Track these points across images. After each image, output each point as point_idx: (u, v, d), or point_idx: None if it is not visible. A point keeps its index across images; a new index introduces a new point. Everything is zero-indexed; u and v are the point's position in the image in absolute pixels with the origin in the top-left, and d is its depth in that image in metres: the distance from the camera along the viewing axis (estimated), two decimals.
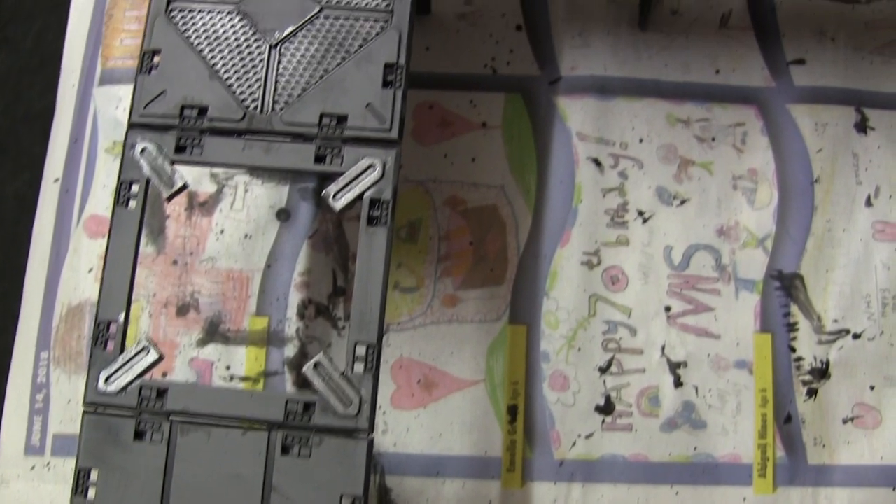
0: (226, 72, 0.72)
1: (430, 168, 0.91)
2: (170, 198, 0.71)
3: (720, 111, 0.92)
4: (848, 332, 0.87)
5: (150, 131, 0.72)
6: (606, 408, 0.86)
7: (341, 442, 0.66)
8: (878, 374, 0.87)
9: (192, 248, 0.89)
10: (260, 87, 0.72)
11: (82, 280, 0.89)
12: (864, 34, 0.94)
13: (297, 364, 0.86)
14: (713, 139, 0.91)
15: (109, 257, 0.70)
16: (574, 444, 0.85)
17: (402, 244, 0.89)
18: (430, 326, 0.87)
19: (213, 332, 0.87)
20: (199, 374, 0.87)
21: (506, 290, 0.88)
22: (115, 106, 0.94)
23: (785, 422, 0.86)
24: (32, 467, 0.86)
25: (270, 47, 0.72)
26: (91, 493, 0.67)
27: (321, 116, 0.71)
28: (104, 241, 0.88)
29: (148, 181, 0.71)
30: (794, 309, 0.88)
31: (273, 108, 0.71)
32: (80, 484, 0.67)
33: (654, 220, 0.90)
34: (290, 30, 0.73)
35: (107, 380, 0.68)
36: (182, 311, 0.88)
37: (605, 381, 0.86)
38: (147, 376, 0.69)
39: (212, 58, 0.72)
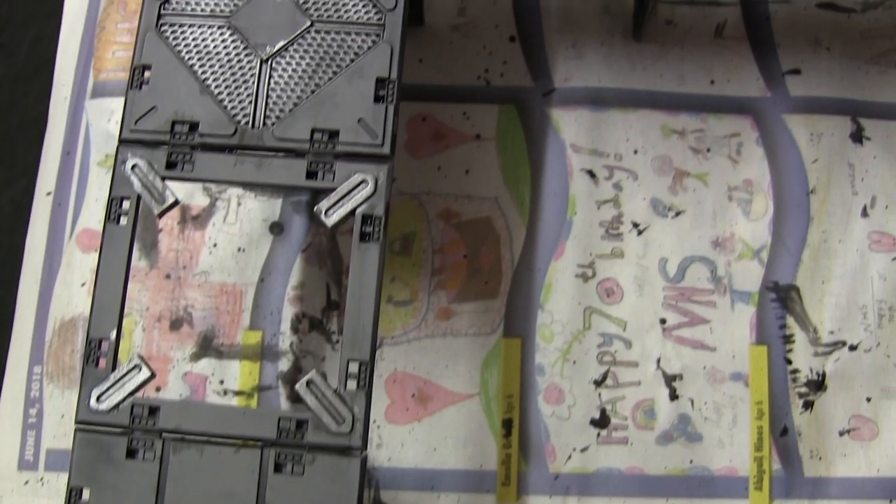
0: (217, 87, 0.72)
1: (423, 181, 0.90)
2: (161, 214, 0.70)
3: (715, 122, 0.91)
4: (844, 343, 0.87)
5: (141, 147, 0.71)
6: (602, 421, 0.85)
7: (334, 460, 0.66)
8: (875, 386, 0.86)
9: (185, 262, 0.89)
10: (251, 102, 0.71)
11: (75, 294, 0.89)
12: (860, 43, 0.94)
13: (291, 378, 0.86)
14: (708, 150, 0.91)
15: (101, 274, 0.69)
16: (569, 457, 0.85)
17: (395, 257, 0.89)
18: (424, 340, 0.87)
19: (207, 347, 0.87)
20: (193, 388, 0.86)
21: (500, 303, 0.88)
22: (107, 119, 0.93)
23: (781, 434, 0.85)
24: (26, 482, 0.86)
25: (262, 62, 0.72)
26: None
27: (313, 132, 0.70)
28: (97, 256, 0.89)
29: (139, 198, 0.70)
30: (790, 321, 0.87)
31: (264, 124, 0.71)
32: (72, 503, 0.66)
33: (649, 232, 0.89)
34: (281, 44, 0.72)
35: (98, 398, 0.68)
36: (175, 325, 0.88)
37: (600, 394, 0.86)
38: (139, 394, 0.68)
39: (203, 73, 0.72)
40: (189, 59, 0.72)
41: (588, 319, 0.87)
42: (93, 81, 0.95)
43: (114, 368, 0.68)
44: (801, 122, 0.91)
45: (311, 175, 0.70)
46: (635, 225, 0.89)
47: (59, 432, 0.86)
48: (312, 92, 0.71)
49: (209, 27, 0.73)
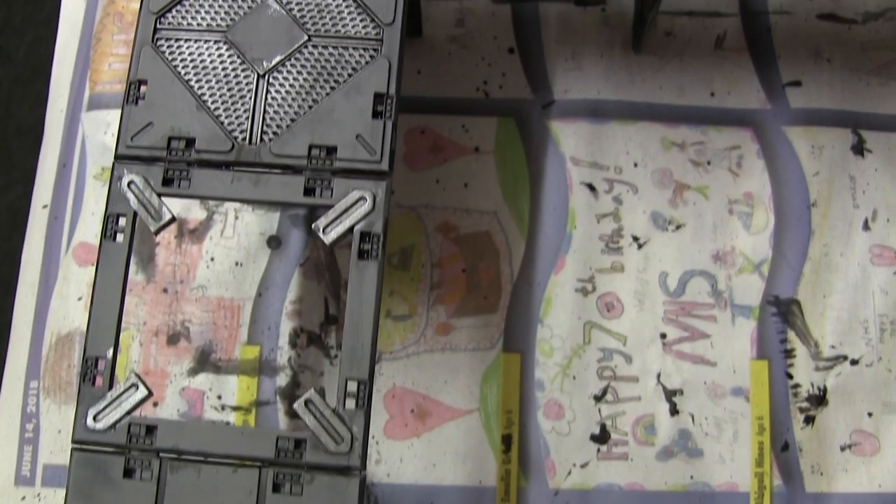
0: (213, 102, 0.71)
1: (421, 194, 0.90)
2: (157, 232, 0.70)
3: (715, 134, 0.91)
4: (845, 358, 0.86)
5: (138, 163, 0.70)
6: (602, 436, 0.85)
7: (333, 479, 0.65)
8: (877, 401, 0.86)
9: (182, 276, 0.88)
10: (248, 117, 0.71)
11: (72, 309, 0.88)
12: (861, 55, 0.93)
13: (289, 393, 0.86)
14: (708, 163, 0.90)
15: (97, 292, 0.69)
16: (569, 473, 0.84)
17: (394, 271, 0.88)
18: (423, 355, 0.87)
19: (205, 362, 0.87)
20: (191, 403, 0.86)
21: (499, 318, 0.87)
22: (103, 131, 0.93)
23: (782, 450, 0.85)
24: (23, 498, 0.85)
25: (258, 77, 0.71)
26: None
27: (310, 148, 0.70)
28: (94, 270, 0.88)
29: (135, 215, 0.70)
30: (791, 335, 0.87)
31: (262, 139, 0.70)
32: None
33: (649, 246, 0.89)
34: (278, 59, 0.71)
35: (95, 417, 0.67)
36: (173, 339, 0.87)
37: (600, 410, 0.85)
38: (136, 412, 0.68)
39: (199, 88, 0.71)
40: (185, 73, 0.72)
41: (588, 334, 0.87)
42: (89, 93, 0.94)
43: (111, 387, 0.68)
44: (802, 134, 0.91)
45: (308, 192, 0.69)
46: (635, 239, 0.89)
47: (56, 447, 0.86)
48: (310, 107, 0.71)
49: (206, 42, 0.73)
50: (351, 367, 0.67)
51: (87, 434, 0.67)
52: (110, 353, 0.68)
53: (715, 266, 0.88)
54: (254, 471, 0.66)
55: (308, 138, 0.70)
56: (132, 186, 0.70)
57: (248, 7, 0.73)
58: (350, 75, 0.71)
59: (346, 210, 0.69)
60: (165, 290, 0.88)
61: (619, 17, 0.94)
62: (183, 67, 0.72)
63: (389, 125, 0.70)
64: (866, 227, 0.89)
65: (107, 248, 0.70)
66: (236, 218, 0.89)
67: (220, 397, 0.86)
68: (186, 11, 0.73)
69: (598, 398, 0.86)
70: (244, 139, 0.70)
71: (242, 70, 0.72)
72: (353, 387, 0.66)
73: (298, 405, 0.66)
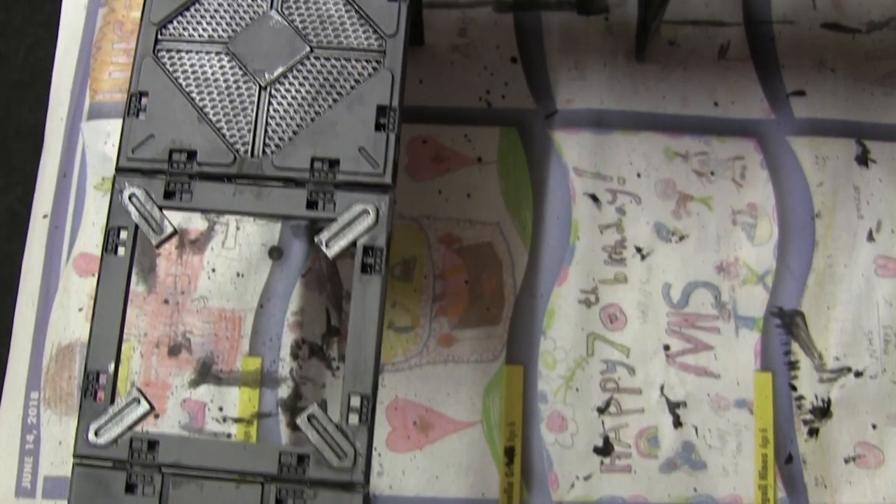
0: (215, 114, 0.70)
1: (424, 204, 0.89)
2: (159, 245, 0.69)
3: (719, 145, 0.90)
4: (849, 369, 0.86)
5: (139, 176, 0.70)
6: (605, 449, 0.85)
7: (336, 495, 0.65)
8: (881, 413, 0.85)
9: (183, 287, 0.88)
10: (250, 129, 0.70)
11: (72, 319, 0.88)
12: (865, 64, 0.93)
13: (291, 405, 0.85)
14: (712, 173, 0.90)
15: (98, 306, 0.68)
16: (572, 485, 0.84)
17: (396, 282, 0.88)
18: (425, 367, 0.86)
19: (206, 373, 0.86)
20: (192, 415, 0.85)
21: (502, 330, 0.87)
22: (103, 141, 0.92)
23: (786, 462, 0.84)
24: None
25: (260, 89, 0.71)
26: None
27: (313, 160, 0.69)
28: (94, 280, 0.88)
29: (137, 228, 0.69)
30: (795, 347, 0.86)
31: (264, 152, 0.69)
32: None
33: (653, 257, 0.88)
34: (280, 71, 0.71)
35: (97, 432, 0.67)
36: (174, 351, 0.87)
37: (603, 422, 0.85)
38: (138, 427, 0.67)
39: (201, 100, 0.71)
40: (187, 85, 0.71)
41: (591, 346, 0.87)
42: (89, 103, 0.94)
43: (112, 401, 0.67)
44: (806, 144, 0.91)
45: (311, 205, 0.69)
46: (638, 250, 0.88)
47: (57, 459, 0.86)
48: (312, 120, 0.70)
49: (207, 53, 0.72)
50: (354, 381, 0.66)
51: (89, 449, 0.67)
52: (111, 367, 0.68)
53: (718, 277, 0.88)
54: (256, 486, 0.65)
55: (310, 151, 0.69)
56: (133, 199, 0.70)
57: (250, 18, 0.72)
58: (353, 87, 0.71)
59: (348, 224, 0.68)
60: (166, 301, 0.88)
61: (623, 27, 0.93)
62: (184, 79, 0.71)
63: (392, 138, 0.69)
64: (870, 237, 0.89)
65: (108, 262, 0.69)
66: (237, 228, 0.89)
67: (221, 409, 0.85)
68: (188, 23, 0.73)
69: (602, 410, 0.85)
70: (246, 152, 0.70)
71: (244, 82, 0.71)
72: (356, 401, 0.66)
73: (301, 420, 0.66)
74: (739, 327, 0.87)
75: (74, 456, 0.66)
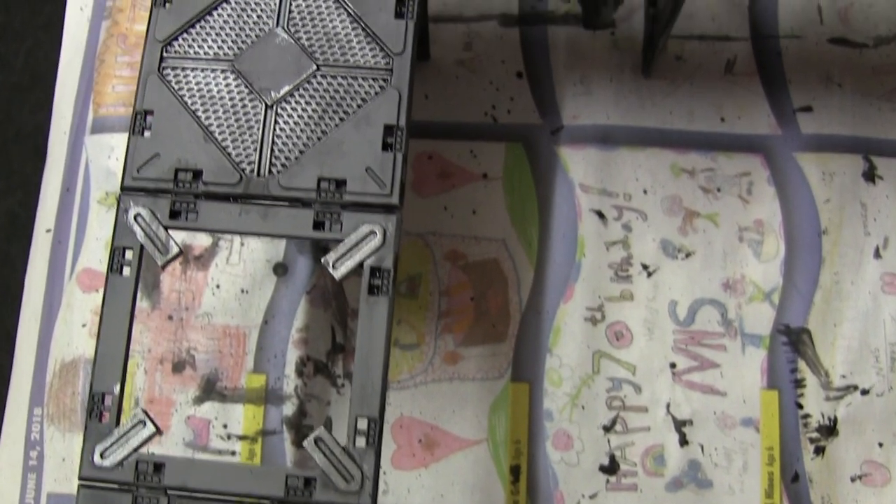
0: (221, 133, 0.70)
1: (429, 220, 0.89)
2: (164, 266, 0.69)
3: (725, 161, 0.90)
4: (856, 387, 0.86)
5: (144, 195, 0.69)
6: (611, 467, 0.84)
7: None
8: (888, 431, 0.85)
9: (187, 303, 0.87)
10: (256, 149, 0.70)
11: (76, 335, 0.88)
12: (872, 79, 0.92)
13: (295, 423, 0.85)
14: (718, 189, 0.89)
15: (103, 327, 0.68)
16: None
17: (401, 300, 0.87)
18: (430, 384, 0.86)
19: (210, 390, 0.86)
20: (196, 432, 0.85)
21: (508, 347, 0.87)
22: (107, 155, 0.92)
23: (792, 480, 0.84)
24: None
25: (266, 107, 0.70)
26: None
27: (319, 181, 0.69)
28: (98, 295, 0.87)
29: (142, 248, 0.69)
30: (802, 364, 0.86)
31: (270, 172, 0.69)
32: None
33: (659, 274, 0.88)
34: (286, 89, 0.70)
35: (102, 454, 0.66)
36: (178, 367, 0.86)
37: (609, 440, 0.85)
38: (144, 449, 0.67)
39: (206, 118, 0.70)
40: (192, 103, 0.71)
41: (597, 363, 0.86)
42: (92, 116, 0.93)
43: (118, 423, 0.67)
44: (813, 160, 0.90)
45: (318, 226, 0.68)
46: (645, 267, 0.88)
47: (61, 476, 0.85)
48: (319, 139, 0.70)
49: (212, 71, 0.71)
50: (361, 404, 0.66)
51: (94, 471, 0.66)
52: (117, 388, 0.67)
53: (725, 294, 0.88)
54: None
55: (317, 171, 0.69)
56: (139, 219, 0.69)
57: (256, 36, 0.72)
58: (359, 106, 0.70)
59: (355, 245, 0.68)
60: (170, 318, 0.87)
61: (629, 41, 0.93)
62: (190, 97, 0.71)
63: (399, 158, 0.69)
64: (877, 254, 0.89)
65: (113, 282, 0.69)
66: (242, 245, 0.88)
67: (225, 426, 0.85)
68: (193, 40, 0.72)
69: (608, 428, 0.85)
70: (252, 171, 0.69)
71: (250, 100, 0.71)
72: (363, 424, 0.66)
73: (308, 443, 0.65)
74: (746, 345, 0.87)
75: (80, 478, 0.66)
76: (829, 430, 0.85)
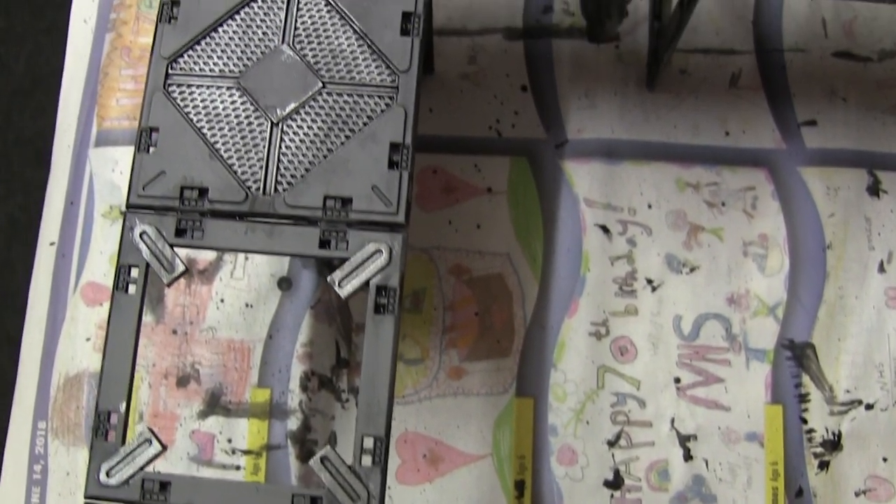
0: (226, 150, 0.70)
1: (434, 235, 0.89)
2: (170, 284, 0.69)
3: (730, 175, 0.90)
4: (860, 402, 0.86)
5: (150, 213, 0.69)
6: (615, 482, 0.84)
7: None
8: (892, 446, 0.85)
9: (191, 318, 0.87)
10: (262, 166, 0.70)
11: (80, 349, 0.88)
12: (876, 93, 0.92)
13: (300, 437, 0.85)
14: (723, 204, 0.89)
15: (109, 345, 0.68)
16: None
17: (406, 314, 0.87)
18: (435, 399, 0.86)
19: (214, 404, 0.86)
20: (201, 447, 0.85)
21: (512, 362, 0.87)
22: (111, 169, 0.91)
23: (796, 496, 0.84)
24: None
25: (272, 125, 0.70)
26: None
27: (325, 199, 0.69)
28: (102, 310, 0.87)
29: (147, 266, 0.69)
30: (806, 379, 0.86)
31: (276, 189, 0.69)
32: None
33: (664, 289, 0.88)
34: (292, 106, 0.70)
35: (108, 472, 0.66)
36: (182, 381, 0.86)
37: (613, 455, 0.85)
38: (150, 467, 0.67)
39: (212, 136, 0.70)
40: (198, 121, 0.71)
41: (601, 378, 0.86)
42: (96, 129, 0.93)
43: (123, 441, 0.67)
44: (817, 174, 0.90)
45: (323, 244, 0.68)
46: (649, 281, 0.88)
47: (65, 490, 0.85)
48: (325, 157, 0.70)
49: (218, 88, 0.71)
50: (367, 423, 0.66)
51: (100, 489, 0.67)
52: (123, 407, 0.67)
53: (729, 309, 0.87)
54: None
55: (323, 189, 0.69)
56: (144, 237, 0.69)
57: (262, 53, 0.72)
58: (365, 124, 0.70)
59: (361, 263, 0.68)
60: (175, 332, 0.87)
61: (633, 55, 0.93)
62: (195, 114, 0.71)
63: (405, 176, 0.69)
64: (882, 269, 0.89)
65: (119, 300, 0.69)
66: (246, 259, 0.88)
67: (230, 441, 0.85)
68: (199, 57, 0.72)
69: (612, 443, 0.85)
70: (258, 189, 0.69)
71: (256, 117, 0.71)
72: (369, 443, 0.66)
73: (315, 462, 0.65)
74: (750, 359, 0.87)
75: (86, 496, 0.66)
76: (834, 444, 0.85)
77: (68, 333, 0.88)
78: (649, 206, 0.89)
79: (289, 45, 0.72)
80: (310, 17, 0.72)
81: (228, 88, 0.71)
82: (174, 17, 0.73)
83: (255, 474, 0.84)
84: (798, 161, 0.91)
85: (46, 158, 0.94)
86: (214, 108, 0.71)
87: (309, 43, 0.72)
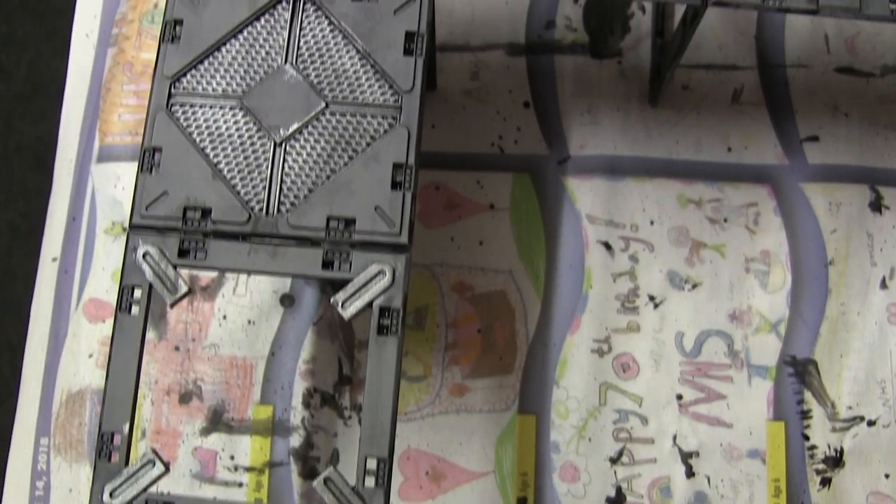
0: (229, 171, 0.70)
1: (436, 252, 0.89)
2: (173, 305, 0.69)
3: (732, 191, 0.90)
4: (862, 419, 0.86)
5: (153, 233, 0.69)
6: (617, 499, 0.84)
7: None
8: (894, 462, 0.85)
9: (194, 334, 0.87)
10: (265, 187, 0.70)
11: (82, 366, 0.88)
12: (879, 109, 0.92)
13: (302, 454, 0.85)
14: (725, 220, 0.89)
15: (112, 366, 0.68)
16: None
17: (408, 331, 0.87)
18: (437, 416, 0.86)
19: (217, 421, 0.86)
20: (203, 464, 0.85)
21: (515, 379, 0.87)
22: (113, 184, 0.91)
23: None
24: None
25: (275, 145, 0.70)
26: None
27: (328, 220, 0.69)
28: (104, 326, 0.87)
29: (151, 287, 0.69)
30: (808, 396, 0.86)
31: (279, 210, 0.69)
32: None
33: (666, 306, 0.88)
34: (295, 127, 0.70)
35: (112, 493, 0.67)
36: (185, 398, 0.86)
37: (615, 472, 0.85)
38: (152, 489, 0.67)
39: (215, 156, 0.70)
40: (201, 141, 0.71)
41: (604, 395, 0.86)
42: (98, 145, 0.93)
43: (127, 463, 0.67)
44: (820, 190, 0.90)
45: (326, 265, 0.68)
46: (651, 298, 0.88)
47: None
48: (328, 177, 0.70)
49: (221, 108, 0.71)
50: (371, 444, 0.66)
51: None
52: (126, 427, 0.67)
53: (731, 325, 0.88)
54: None
55: (326, 209, 0.69)
56: (147, 258, 0.69)
57: (265, 72, 0.72)
58: (368, 144, 0.70)
59: (364, 284, 0.68)
60: (177, 348, 0.87)
61: (636, 71, 0.93)
62: (198, 134, 0.71)
63: (409, 196, 0.69)
64: (884, 285, 0.89)
65: (122, 321, 0.69)
66: (248, 276, 0.88)
67: (232, 458, 0.85)
68: (201, 76, 0.72)
69: (614, 460, 0.85)
70: (261, 209, 0.69)
71: (259, 137, 0.71)
72: (372, 464, 0.66)
73: (318, 483, 0.65)
74: (752, 376, 0.87)
75: None
76: (836, 461, 0.85)
77: (70, 350, 0.88)
78: (651, 223, 0.89)
79: (292, 64, 0.72)
80: (313, 37, 0.72)
81: (231, 108, 0.71)
82: (177, 37, 0.73)
83: (258, 491, 0.84)
84: (800, 177, 0.91)
85: (47, 165, 0.94)
86: (217, 127, 0.71)
87: (312, 63, 0.72)
